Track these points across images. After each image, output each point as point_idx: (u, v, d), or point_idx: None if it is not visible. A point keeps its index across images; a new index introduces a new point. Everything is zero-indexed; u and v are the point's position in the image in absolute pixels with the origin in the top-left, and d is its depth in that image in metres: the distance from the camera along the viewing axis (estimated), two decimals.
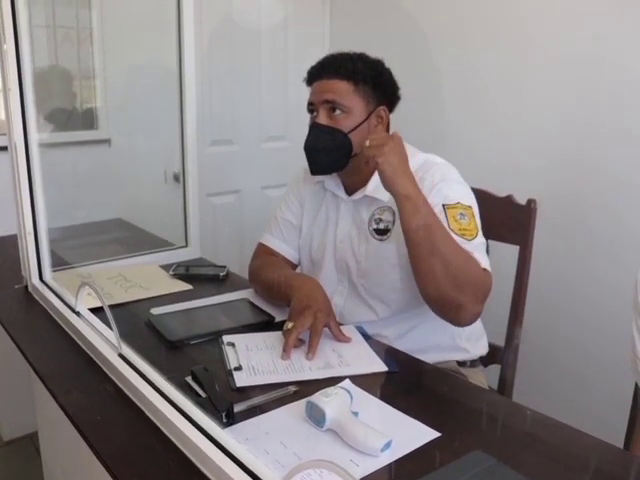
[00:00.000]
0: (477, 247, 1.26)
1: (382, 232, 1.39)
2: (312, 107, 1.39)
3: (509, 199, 1.55)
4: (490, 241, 1.36)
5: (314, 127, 1.37)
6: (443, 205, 1.28)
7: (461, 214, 1.28)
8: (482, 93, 2.21)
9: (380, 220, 1.39)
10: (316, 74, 1.39)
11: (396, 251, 1.36)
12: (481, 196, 1.40)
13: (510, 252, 1.53)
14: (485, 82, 2.19)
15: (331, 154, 1.37)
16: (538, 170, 2.05)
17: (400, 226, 1.28)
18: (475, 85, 2.22)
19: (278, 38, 2.72)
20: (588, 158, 1.94)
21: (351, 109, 1.35)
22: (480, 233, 1.29)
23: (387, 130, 1.42)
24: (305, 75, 1.42)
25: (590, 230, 1.97)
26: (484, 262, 1.25)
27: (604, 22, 1.84)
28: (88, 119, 2.52)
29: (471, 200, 1.34)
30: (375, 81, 1.36)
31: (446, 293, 1.17)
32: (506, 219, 1.53)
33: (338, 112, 1.34)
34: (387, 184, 1.18)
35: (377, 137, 1.21)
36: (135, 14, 2.36)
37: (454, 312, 1.22)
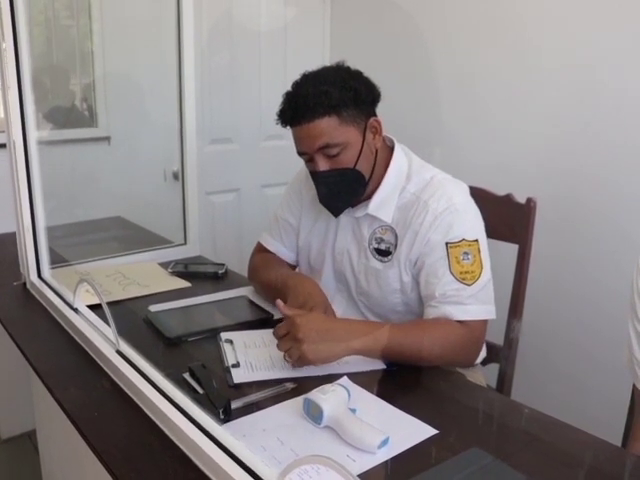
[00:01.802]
0: (476, 292, 1.24)
1: (383, 253, 1.35)
2: (305, 155, 1.30)
3: (508, 198, 1.54)
4: (489, 240, 1.36)
5: (319, 176, 1.29)
6: (446, 243, 1.25)
7: (465, 253, 1.25)
8: (481, 94, 2.20)
9: (381, 240, 1.35)
10: (293, 119, 1.27)
11: (398, 277, 1.34)
12: (480, 195, 1.40)
13: (509, 251, 1.53)
14: (484, 83, 2.19)
15: (348, 193, 1.32)
16: (536, 171, 2.04)
17: (401, 252, 1.31)
18: (474, 86, 2.21)
19: (278, 37, 2.71)
20: (586, 160, 1.94)
21: (346, 142, 1.25)
22: (484, 270, 1.26)
23: (380, 134, 1.33)
24: (276, 118, 1.31)
25: (587, 231, 1.96)
26: (476, 311, 1.24)
27: (605, 27, 1.84)
28: (87, 117, 2.51)
29: (477, 230, 1.29)
30: (355, 100, 1.25)
31: (440, 365, 1.23)
32: (505, 218, 1.52)
33: (336, 152, 1.25)
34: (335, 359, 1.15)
35: (286, 341, 1.12)
36: (135, 12, 2.36)
37: (457, 366, 1.34)
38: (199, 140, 1.93)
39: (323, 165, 1.27)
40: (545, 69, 2.00)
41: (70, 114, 2.49)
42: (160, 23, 2.03)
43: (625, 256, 1.80)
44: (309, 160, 1.30)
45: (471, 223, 1.29)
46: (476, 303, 1.24)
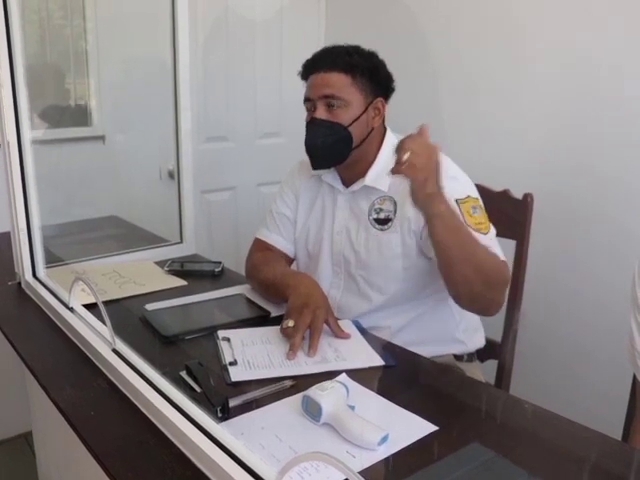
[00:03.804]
0: (492, 240, 1.31)
1: (383, 222, 1.38)
2: (310, 102, 1.38)
3: (505, 194, 1.54)
4: None
5: (313, 122, 1.36)
6: (456, 200, 1.29)
7: (473, 207, 1.30)
8: (477, 90, 2.20)
9: (381, 210, 1.39)
10: (312, 67, 1.38)
11: (400, 241, 1.36)
12: (477, 190, 1.40)
13: (506, 247, 1.52)
14: (480, 79, 2.18)
15: (332, 148, 1.37)
16: (533, 167, 2.04)
17: (403, 216, 1.34)
18: (470, 82, 2.21)
19: (273, 34, 2.71)
20: (583, 156, 1.94)
21: (349, 102, 1.34)
22: (491, 224, 1.33)
23: (383, 121, 1.42)
24: (300, 69, 1.41)
25: (584, 226, 1.96)
26: (501, 254, 1.29)
27: (602, 24, 1.84)
28: (82, 116, 2.50)
29: (475, 192, 1.36)
30: (372, 73, 1.36)
31: (479, 294, 1.21)
32: (502, 214, 1.51)
33: (336, 105, 1.34)
34: (421, 203, 1.14)
35: (419, 152, 1.12)
36: (129, 10, 2.34)
37: (485, 308, 1.28)
38: (194, 138, 1.92)
39: (321, 113, 1.35)
40: (542, 66, 2.00)
41: (64, 113, 2.48)
42: (154, 21, 2.02)
43: (622, 250, 1.81)
44: (311, 108, 1.38)
45: (468, 184, 1.36)
46: (495, 247, 1.29)
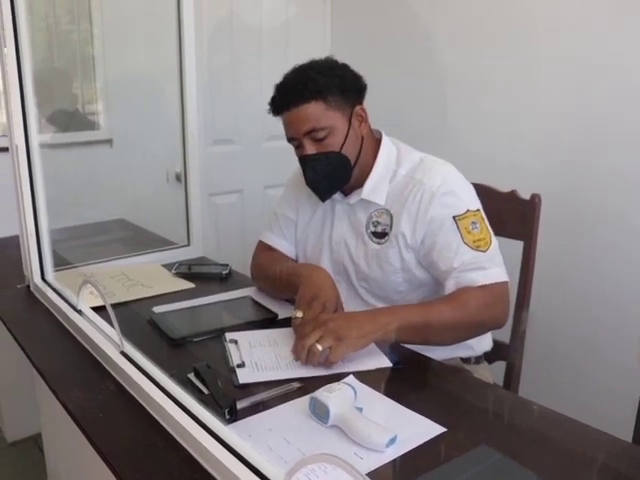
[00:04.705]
0: (492, 256, 1.28)
1: (380, 235, 1.37)
2: (294, 141, 1.34)
3: (513, 194, 1.54)
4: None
5: (307, 159, 1.33)
6: (454, 217, 1.28)
7: (473, 223, 1.28)
8: (484, 90, 2.20)
9: (378, 223, 1.37)
10: (282, 105, 1.32)
11: (399, 256, 1.35)
12: (484, 192, 1.40)
13: (514, 247, 1.52)
14: (488, 80, 2.18)
15: (335, 177, 1.35)
16: (540, 167, 2.04)
17: (398, 231, 1.33)
18: (478, 82, 2.21)
19: (279, 36, 2.72)
20: (590, 157, 1.93)
21: (333, 126, 1.30)
22: (492, 234, 1.31)
23: (366, 122, 1.38)
24: (269, 107, 1.35)
25: (592, 226, 1.96)
26: (497, 274, 1.27)
27: (607, 23, 1.83)
28: (90, 120, 2.51)
29: (475, 200, 1.33)
30: (341, 87, 1.31)
31: (469, 337, 1.33)
32: (510, 214, 1.52)
33: (322, 135, 1.30)
34: (382, 340, 1.18)
35: (315, 333, 1.12)
36: (135, 15, 2.36)
37: (487, 331, 1.39)
38: (201, 141, 1.92)
39: (310, 149, 1.32)
40: (549, 66, 1.99)
41: (72, 117, 2.50)
42: (161, 25, 2.03)
43: (631, 250, 1.80)
44: (298, 146, 1.35)
45: (469, 195, 1.33)
46: (495, 266, 1.28)
